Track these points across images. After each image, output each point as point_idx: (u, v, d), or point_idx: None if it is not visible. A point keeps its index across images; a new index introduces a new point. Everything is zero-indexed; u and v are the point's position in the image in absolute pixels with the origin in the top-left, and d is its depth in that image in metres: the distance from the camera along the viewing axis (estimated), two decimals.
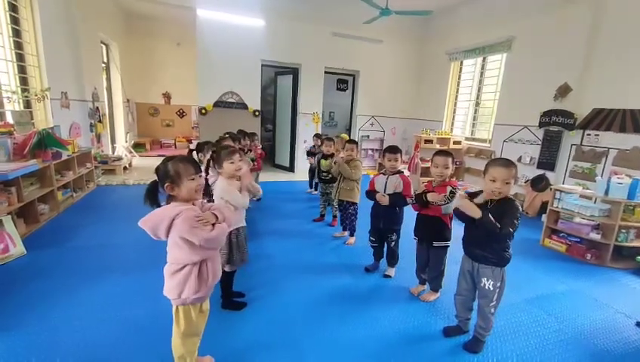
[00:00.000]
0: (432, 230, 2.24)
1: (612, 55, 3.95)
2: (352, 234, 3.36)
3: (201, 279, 1.36)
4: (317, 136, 5.12)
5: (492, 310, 1.80)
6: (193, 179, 1.33)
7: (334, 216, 3.81)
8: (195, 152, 2.61)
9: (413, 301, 2.37)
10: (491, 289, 1.76)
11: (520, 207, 1.68)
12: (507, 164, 1.65)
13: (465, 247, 1.88)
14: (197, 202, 1.41)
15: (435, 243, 2.24)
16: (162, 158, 1.40)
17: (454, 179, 2.23)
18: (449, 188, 2.12)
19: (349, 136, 7.60)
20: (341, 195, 3.26)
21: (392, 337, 1.96)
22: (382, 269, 2.76)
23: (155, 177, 1.36)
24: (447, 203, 2.08)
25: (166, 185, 1.31)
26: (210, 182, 2.06)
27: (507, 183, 1.62)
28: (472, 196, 1.81)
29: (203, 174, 2.21)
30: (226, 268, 1.99)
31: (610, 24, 3.96)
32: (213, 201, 1.88)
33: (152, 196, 1.33)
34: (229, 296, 2.14)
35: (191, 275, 1.34)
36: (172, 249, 1.34)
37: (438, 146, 6.19)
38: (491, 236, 1.65)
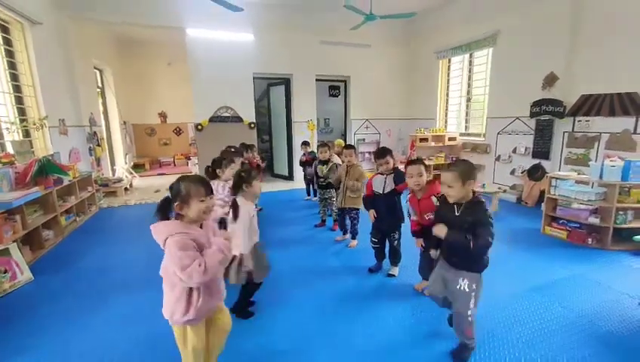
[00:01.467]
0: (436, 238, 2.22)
1: (594, 41, 4.03)
2: (353, 238, 3.39)
3: (190, 302, 1.33)
4: (305, 143, 5.16)
5: (470, 319, 1.70)
6: (203, 201, 1.32)
7: (335, 221, 3.85)
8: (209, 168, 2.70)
9: (418, 297, 2.39)
10: (467, 290, 1.68)
11: (487, 208, 1.64)
12: (448, 168, 1.70)
13: (441, 251, 1.83)
14: (206, 224, 1.40)
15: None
16: (177, 176, 1.40)
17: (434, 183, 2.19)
18: (434, 198, 2.09)
19: (345, 140, 7.68)
20: (346, 203, 3.24)
21: (399, 334, 1.98)
22: (385, 269, 2.79)
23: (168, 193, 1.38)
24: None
25: (176, 204, 1.30)
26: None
27: (450, 187, 1.64)
28: (443, 200, 1.80)
29: (220, 194, 2.29)
30: (255, 280, 2.05)
31: (590, 11, 4.05)
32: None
33: (163, 211, 1.33)
34: (245, 305, 2.17)
35: (181, 297, 1.32)
36: (166, 265, 1.32)
37: (433, 144, 6.26)
38: (465, 244, 1.60)
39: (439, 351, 1.84)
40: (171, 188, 1.34)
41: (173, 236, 1.25)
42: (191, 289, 1.32)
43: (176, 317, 1.33)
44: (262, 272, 2.07)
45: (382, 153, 2.59)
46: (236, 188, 2.03)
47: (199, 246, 1.29)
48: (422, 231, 2.21)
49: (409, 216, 2.35)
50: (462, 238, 1.58)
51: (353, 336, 1.97)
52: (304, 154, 5.05)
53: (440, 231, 1.65)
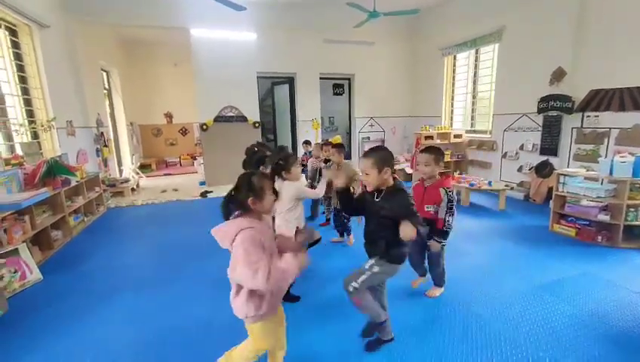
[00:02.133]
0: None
1: (603, 35, 3.95)
2: (349, 234, 3.38)
3: (262, 298, 1.32)
4: (306, 142, 5.13)
5: (350, 288, 1.66)
6: (272, 194, 1.38)
7: (327, 219, 3.93)
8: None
9: (415, 295, 2.37)
10: (366, 267, 1.66)
11: (405, 192, 1.61)
12: (365, 155, 1.64)
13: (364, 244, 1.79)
14: (266, 218, 1.43)
15: (434, 239, 2.17)
16: (243, 173, 1.40)
17: (453, 174, 2.17)
18: (442, 191, 2.07)
19: (349, 138, 7.67)
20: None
21: (397, 331, 1.97)
22: None
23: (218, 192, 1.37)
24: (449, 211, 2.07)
25: (250, 199, 1.30)
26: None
27: (367, 174, 1.60)
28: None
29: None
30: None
31: (598, 3, 3.97)
32: None
33: (228, 210, 1.34)
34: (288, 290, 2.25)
35: (254, 293, 1.30)
36: (234, 266, 1.29)
37: (438, 142, 6.20)
38: (387, 233, 1.59)
39: (437, 346, 1.82)
40: (242, 185, 1.33)
41: (245, 230, 1.25)
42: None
43: (250, 314, 1.33)
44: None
45: (366, 157, 2.50)
46: (275, 175, 2.21)
47: (265, 247, 1.29)
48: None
49: None
50: (424, 231, 1.60)
51: (352, 333, 1.96)
52: (305, 153, 5.04)
53: (410, 233, 1.50)
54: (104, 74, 6.79)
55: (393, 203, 1.57)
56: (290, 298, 2.31)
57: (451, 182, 2.13)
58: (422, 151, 2.24)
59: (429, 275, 2.42)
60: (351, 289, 1.67)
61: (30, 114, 4.08)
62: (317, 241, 2.32)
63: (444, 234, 2.10)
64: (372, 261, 1.67)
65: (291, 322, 1.64)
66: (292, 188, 2.21)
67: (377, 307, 1.75)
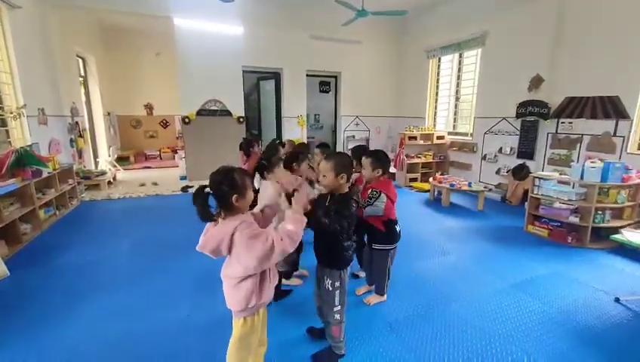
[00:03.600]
0: (368, 233, 2.22)
1: (578, 45, 4.13)
2: None
3: (264, 283, 1.35)
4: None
5: (337, 316, 1.65)
6: (252, 191, 1.35)
7: None
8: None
9: (392, 294, 2.39)
10: (330, 289, 1.64)
11: (354, 201, 1.59)
12: (327, 157, 1.65)
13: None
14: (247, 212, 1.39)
15: (374, 245, 2.18)
16: (219, 169, 1.31)
17: (435, 175, 2.19)
18: (370, 191, 2.07)
19: (334, 136, 7.69)
20: None
21: (377, 328, 2.00)
22: None
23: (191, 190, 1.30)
24: (364, 206, 2.02)
25: (234, 196, 1.25)
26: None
27: (324, 176, 1.60)
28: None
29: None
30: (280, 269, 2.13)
31: (574, 15, 4.15)
32: None
33: (207, 210, 1.26)
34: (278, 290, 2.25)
35: (257, 283, 1.32)
36: (234, 263, 1.29)
37: (422, 142, 6.32)
38: (327, 236, 1.59)
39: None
40: (224, 181, 1.25)
41: (242, 224, 1.22)
42: (263, 272, 1.33)
43: (253, 303, 1.31)
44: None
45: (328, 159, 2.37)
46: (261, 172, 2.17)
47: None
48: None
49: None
50: (320, 220, 1.52)
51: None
52: None
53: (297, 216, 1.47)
54: (80, 61, 6.48)
55: (337, 206, 1.55)
56: (282, 293, 2.31)
57: (388, 187, 2.09)
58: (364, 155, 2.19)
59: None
60: (336, 320, 1.65)
61: None
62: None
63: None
64: (329, 279, 1.64)
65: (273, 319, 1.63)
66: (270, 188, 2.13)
67: (344, 340, 1.74)
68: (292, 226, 1.29)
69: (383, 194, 2.03)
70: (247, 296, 1.31)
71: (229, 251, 1.25)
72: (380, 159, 2.12)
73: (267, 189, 2.02)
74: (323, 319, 1.78)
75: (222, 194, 1.26)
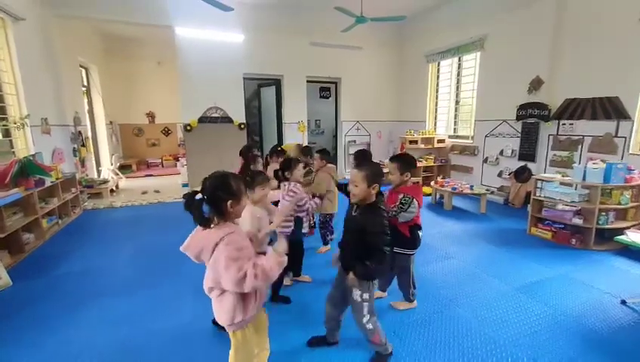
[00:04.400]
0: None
1: (577, 47, 4.15)
2: (325, 244, 3.32)
3: (248, 300, 1.29)
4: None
5: (369, 326, 1.66)
6: (247, 197, 1.34)
7: (312, 227, 3.68)
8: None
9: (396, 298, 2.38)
10: (359, 300, 1.63)
11: (384, 212, 1.58)
12: (357, 167, 1.61)
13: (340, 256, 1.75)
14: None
15: (396, 250, 2.07)
16: (214, 174, 1.29)
17: (436, 179, 2.20)
18: (400, 196, 2.02)
19: (334, 141, 7.70)
20: (327, 209, 3.20)
21: None
22: None
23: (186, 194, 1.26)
24: (397, 213, 1.99)
25: (230, 202, 1.23)
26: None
27: (356, 185, 1.56)
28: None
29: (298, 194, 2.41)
30: None
31: (573, 18, 4.17)
32: None
33: (203, 214, 1.23)
34: (277, 292, 2.34)
35: (240, 298, 1.27)
36: (209, 272, 1.27)
37: (422, 146, 6.32)
38: (359, 247, 1.56)
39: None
40: (220, 186, 1.23)
41: (229, 235, 1.20)
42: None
43: (238, 319, 1.28)
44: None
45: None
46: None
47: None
48: None
49: None
50: (365, 271, 1.52)
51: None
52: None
53: (351, 281, 1.57)
54: (83, 70, 6.55)
55: (368, 220, 1.53)
56: (280, 299, 2.35)
57: (418, 192, 2.07)
58: (389, 159, 2.19)
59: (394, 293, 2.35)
60: (369, 329, 1.66)
61: (2, 110, 3.88)
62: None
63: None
64: (358, 291, 1.62)
65: (277, 324, 1.62)
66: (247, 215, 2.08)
67: (386, 340, 1.75)
68: (272, 265, 1.22)
69: (415, 200, 1.99)
70: (229, 311, 1.27)
71: (209, 259, 1.22)
72: (408, 163, 2.09)
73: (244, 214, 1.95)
74: (329, 326, 1.81)
75: (217, 199, 1.22)
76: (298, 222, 2.42)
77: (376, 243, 1.49)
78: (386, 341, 1.75)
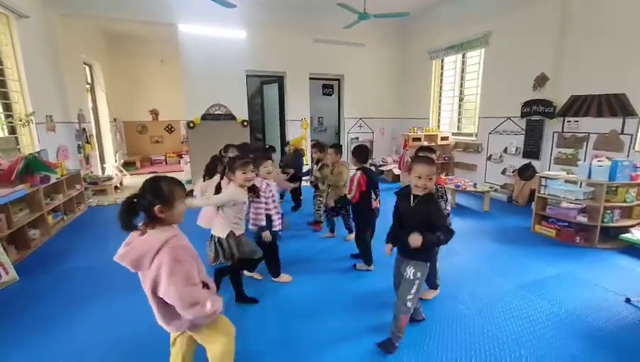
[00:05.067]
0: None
1: (583, 43, 4.09)
2: (350, 232, 3.47)
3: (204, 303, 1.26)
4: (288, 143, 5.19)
5: (408, 304, 1.77)
6: (183, 202, 1.26)
7: (319, 222, 3.88)
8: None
9: None
10: (412, 278, 1.77)
11: (438, 199, 1.82)
12: (429, 161, 1.76)
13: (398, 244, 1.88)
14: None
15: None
16: (150, 177, 1.28)
17: (440, 176, 2.31)
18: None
19: (337, 138, 7.69)
20: (329, 199, 3.31)
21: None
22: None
23: (125, 198, 1.25)
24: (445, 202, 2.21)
25: (156, 206, 1.18)
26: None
27: (430, 179, 1.70)
28: (400, 191, 1.90)
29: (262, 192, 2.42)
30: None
31: (579, 13, 4.11)
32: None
33: (130, 219, 1.19)
34: (241, 291, 2.31)
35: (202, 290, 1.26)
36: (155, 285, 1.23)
37: (426, 143, 6.28)
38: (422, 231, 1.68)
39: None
40: (147, 189, 1.21)
41: (171, 241, 1.16)
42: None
43: (202, 321, 1.29)
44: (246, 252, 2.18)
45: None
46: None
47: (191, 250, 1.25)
48: None
49: None
50: (436, 239, 1.66)
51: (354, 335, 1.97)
52: (285, 154, 5.12)
53: (416, 241, 1.65)
54: (87, 68, 6.58)
55: (429, 208, 1.71)
56: (246, 300, 2.32)
57: (442, 182, 2.25)
58: (420, 161, 2.18)
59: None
60: (408, 307, 1.78)
61: (7, 108, 3.91)
62: (259, 260, 2.30)
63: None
64: (412, 269, 1.77)
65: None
66: (226, 192, 2.12)
67: (404, 332, 1.84)
68: (210, 307, 1.21)
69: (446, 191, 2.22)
70: (186, 320, 1.25)
71: (150, 265, 1.16)
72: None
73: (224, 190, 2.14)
74: (393, 319, 1.86)
75: (145, 203, 1.18)
76: (268, 220, 2.41)
77: (445, 225, 1.72)
78: (404, 333, 1.83)
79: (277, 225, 2.45)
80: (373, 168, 6.99)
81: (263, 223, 2.38)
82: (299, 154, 4.83)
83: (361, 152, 2.86)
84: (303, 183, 4.82)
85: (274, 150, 3.66)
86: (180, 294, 1.16)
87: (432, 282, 2.38)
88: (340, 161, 3.39)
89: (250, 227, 2.41)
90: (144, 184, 1.23)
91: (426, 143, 6.24)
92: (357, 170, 2.75)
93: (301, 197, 4.74)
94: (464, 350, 1.84)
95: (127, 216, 1.18)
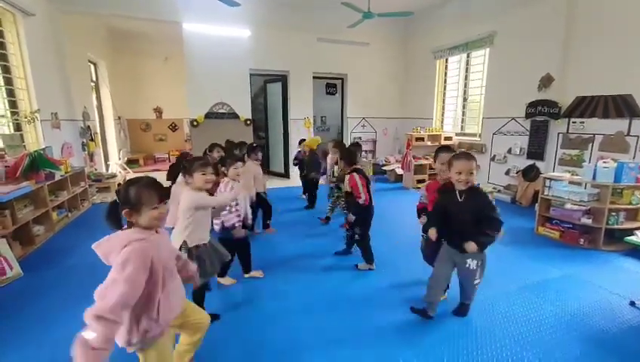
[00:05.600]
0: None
1: (589, 43, 4.06)
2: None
3: (147, 313, 1.20)
4: (303, 140, 5.19)
5: (476, 287, 2.03)
6: (156, 208, 1.20)
7: (328, 218, 3.98)
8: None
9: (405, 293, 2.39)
10: (474, 268, 1.95)
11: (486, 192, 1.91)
12: (468, 157, 1.87)
13: (449, 239, 2.02)
14: (162, 230, 1.30)
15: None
16: (127, 180, 1.25)
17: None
18: None
19: (340, 138, 7.67)
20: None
21: (384, 332, 1.99)
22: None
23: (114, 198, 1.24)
24: None
25: (125, 210, 1.18)
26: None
27: (471, 173, 1.83)
28: (443, 188, 2.01)
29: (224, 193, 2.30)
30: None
31: (584, 13, 4.08)
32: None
33: (115, 218, 1.20)
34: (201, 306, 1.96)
35: (136, 313, 1.18)
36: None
37: (429, 143, 6.26)
38: (476, 226, 1.86)
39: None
40: (118, 192, 1.20)
41: (134, 243, 1.13)
42: (149, 296, 1.18)
43: (134, 340, 1.18)
44: (203, 275, 1.81)
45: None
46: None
47: (153, 264, 1.16)
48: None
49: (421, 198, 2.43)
50: (490, 239, 1.82)
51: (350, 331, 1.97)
52: (300, 152, 5.03)
53: (472, 248, 1.83)
54: (91, 66, 6.62)
55: (478, 201, 1.85)
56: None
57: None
58: (439, 150, 2.24)
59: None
60: (476, 288, 2.04)
61: (13, 105, 3.94)
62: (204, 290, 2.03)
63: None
64: (474, 260, 1.93)
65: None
66: (188, 197, 1.86)
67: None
68: (90, 340, 1.06)
69: None
70: (124, 331, 1.17)
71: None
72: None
73: (183, 197, 1.87)
74: (432, 302, 2.07)
75: (116, 205, 1.19)
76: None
77: (497, 215, 1.82)
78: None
79: (237, 226, 2.29)
80: (376, 167, 6.99)
81: (230, 223, 2.27)
82: (315, 154, 4.76)
83: (352, 155, 2.87)
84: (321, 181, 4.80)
85: (261, 149, 3.55)
86: (102, 293, 1.09)
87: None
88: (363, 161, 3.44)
89: (215, 227, 2.29)
90: (118, 188, 1.23)
91: (443, 143, 6.22)
92: (350, 172, 2.71)
93: (315, 198, 4.74)
94: (465, 350, 1.83)
95: (113, 217, 1.20)
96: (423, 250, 2.44)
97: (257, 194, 3.39)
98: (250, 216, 2.62)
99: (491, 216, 1.82)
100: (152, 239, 1.20)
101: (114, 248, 1.15)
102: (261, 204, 3.59)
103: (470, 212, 1.84)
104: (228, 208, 2.26)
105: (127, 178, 1.28)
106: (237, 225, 2.32)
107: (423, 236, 2.37)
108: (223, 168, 2.46)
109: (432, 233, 2.00)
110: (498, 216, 1.83)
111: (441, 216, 1.98)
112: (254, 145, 3.64)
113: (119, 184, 1.29)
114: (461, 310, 2.15)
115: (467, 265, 1.95)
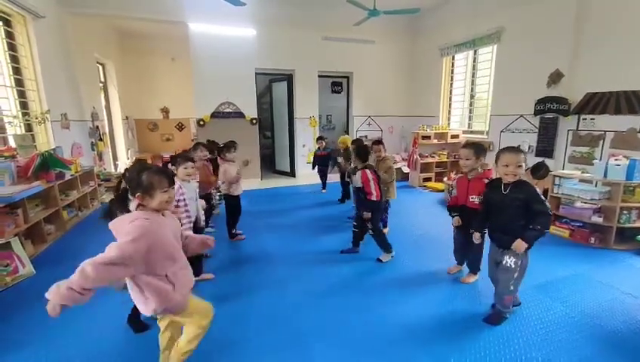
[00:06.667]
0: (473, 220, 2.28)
1: (600, 38, 3.97)
2: (384, 226, 3.53)
3: (159, 292, 1.33)
4: (321, 138, 5.30)
5: (512, 287, 1.94)
6: (166, 191, 1.33)
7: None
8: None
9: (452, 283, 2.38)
10: (512, 266, 1.91)
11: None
12: (516, 150, 1.87)
13: (491, 236, 2.05)
14: (167, 213, 1.43)
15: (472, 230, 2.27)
16: (134, 167, 1.39)
17: (449, 175, 2.37)
18: (485, 181, 2.23)
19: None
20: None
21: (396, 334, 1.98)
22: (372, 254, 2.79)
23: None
24: None
25: (137, 194, 1.30)
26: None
27: (519, 166, 1.82)
28: (491, 184, 2.05)
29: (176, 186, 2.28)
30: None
31: (595, 8, 3.99)
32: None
33: (123, 203, 1.34)
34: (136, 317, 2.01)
35: (149, 285, 1.32)
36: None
37: (435, 141, 6.21)
38: (522, 219, 1.84)
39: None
40: (131, 179, 1.32)
41: (139, 220, 1.25)
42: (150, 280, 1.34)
43: (160, 308, 1.35)
44: None
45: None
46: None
47: (158, 240, 1.28)
48: (461, 210, 2.42)
49: (449, 193, 2.50)
50: (538, 234, 1.77)
51: (390, 320, 1.97)
52: (319, 148, 5.23)
53: (520, 247, 1.82)
54: (100, 67, 6.70)
55: (524, 193, 1.81)
56: (135, 324, 2.00)
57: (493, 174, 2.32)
58: (462, 146, 2.45)
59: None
60: (510, 290, 1.95)
61: (24, 106, 4.01)
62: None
63: None
64: (512, 258, 1.90)
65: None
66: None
67: (512, 307, 2.03)
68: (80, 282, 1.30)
69: None
70: (146, 300, 1.34)
71: None
72: (482, 148, 2.43)
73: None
74: (496, 298, 2.04)
75: (125, 192, 1.33)
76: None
77: (546, 208, 1.78)
78: (512, 307, 2.03)
79: (186, 228, 2.17)
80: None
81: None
82: (348, 150, 4.79)
83: (365, 151, 2.88)
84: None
85: (234, 145, 3.31)
86: (110, 252, 1.24)
87: (475, 266, 2.52)
88: (385, 155, 3.47)
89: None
90: (129, 172, 1.36)
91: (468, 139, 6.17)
92: (362, 169, 2.77)
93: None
94: (474, 349, 1.82)
95: (122, 201, 1.36)
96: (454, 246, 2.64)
97: (234, 197, 3.23)
98: (202, 217, 2.53)
99: (538, 210, 1.76)
100: (156, 220, 1.32)
101: (124, 223, 1.27)
102: (234, 208, 3.33)
103: (514, 205, 1.82)
104: (177, 202, 2.17)
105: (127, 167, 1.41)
106: (186, 226, 2.18)
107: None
108: (173, 167, 2.40)
109: (455, 220, 2.14)
110: (547, 209, 1.77)
111: (486, 209, 2.01)
112: (224, 143, 3.36)
113: (125, 170, 1.37)
114: (492, 317, 2.04)
115: (504, 262, 1.93)
